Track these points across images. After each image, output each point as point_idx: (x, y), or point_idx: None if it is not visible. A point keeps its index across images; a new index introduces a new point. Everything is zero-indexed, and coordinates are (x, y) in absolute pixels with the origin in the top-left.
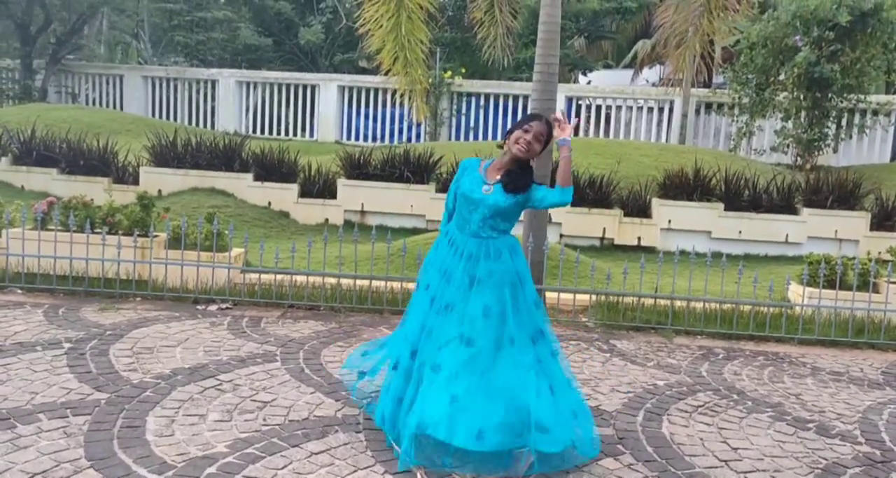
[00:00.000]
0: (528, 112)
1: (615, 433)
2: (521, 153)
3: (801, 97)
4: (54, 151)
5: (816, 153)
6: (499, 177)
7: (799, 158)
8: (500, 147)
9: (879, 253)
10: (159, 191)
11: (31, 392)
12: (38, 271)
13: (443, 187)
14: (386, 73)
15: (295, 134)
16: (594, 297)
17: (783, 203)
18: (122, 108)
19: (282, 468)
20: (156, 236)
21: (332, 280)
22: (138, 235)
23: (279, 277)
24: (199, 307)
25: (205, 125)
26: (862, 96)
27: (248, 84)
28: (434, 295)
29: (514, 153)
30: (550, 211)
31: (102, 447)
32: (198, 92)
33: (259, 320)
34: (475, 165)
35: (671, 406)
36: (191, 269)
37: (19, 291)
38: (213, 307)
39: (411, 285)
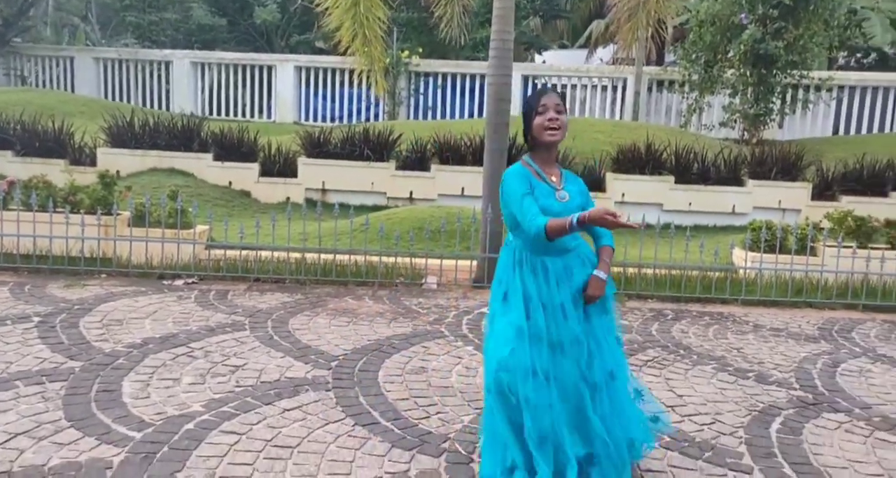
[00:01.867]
0: (485, 88)
1: None
2: (556, 136)
3: (748, 74)
4: (8, 133)
5: (762, 128)
6: (555, 178)
7: (746, 133)
8: (527, 145)
9: (820, 221)
10: (118, 172)
11: (6, 362)
12: (0, 250)
13: (402, 165)
14: (344, 52)
15: (252, 115)
16: None
17: (730, 176)
18: (73, 90)
19: (256, 424)
20: (119, 215)
21: (297, 255)
22: (102, 214)
23: (244, 252)
24: (165, 282)
25: (160, 107)
26: (805, 72)
27: (202, 65)
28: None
29: (548, 141)
30: None
31: (81, 409)
32: (151, 74)
33: (226, 293)
34: (527, 174)
35: None
36: (155, 245)
37: None
38: (179, 282)
39: (373, 258)
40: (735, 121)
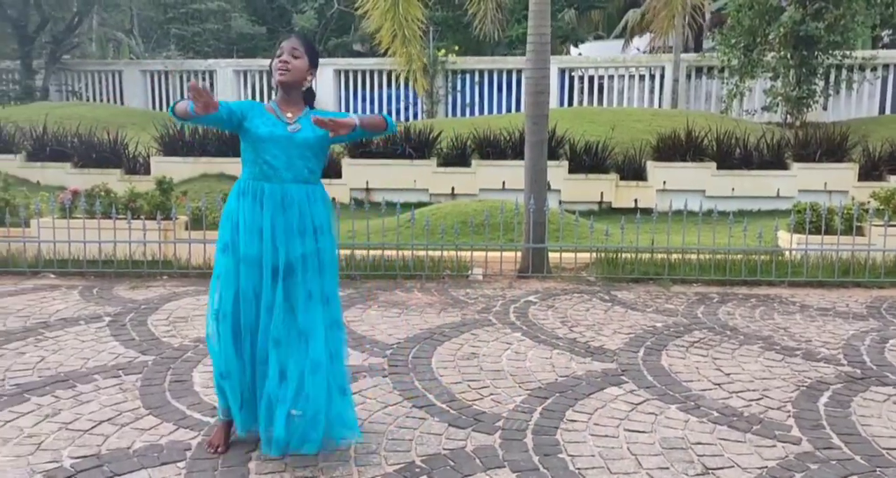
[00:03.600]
0: (523, 84)
1: (618, 367)
2: (283, 77)
3: (789, 56)
4: (66, 145)
5: (806, 110)
6: (291, 114)
7: (789, 116)
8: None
9: (867, 201)
10: (171, 179)
11: (83, 358)
12: (68, 257)
13: (443, 162)
14: (385, 53)
15: None
16: (594, 254)
17: (773, 159)
18: (122, 102)
19: None
20: (177, 219)
21: (346, 251)
22: (161, 219)
23: None
24: None
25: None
26: (848, 52)
27: (245, 73)
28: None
29: (279, 80)
30: (550, 179)
31: (157, 398)
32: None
33: None
34: (257, 106)
35: (669, 343)
36: (212, 247)
37: (52, 275)
38: None
39: (420, 252)
40: (777, 104)
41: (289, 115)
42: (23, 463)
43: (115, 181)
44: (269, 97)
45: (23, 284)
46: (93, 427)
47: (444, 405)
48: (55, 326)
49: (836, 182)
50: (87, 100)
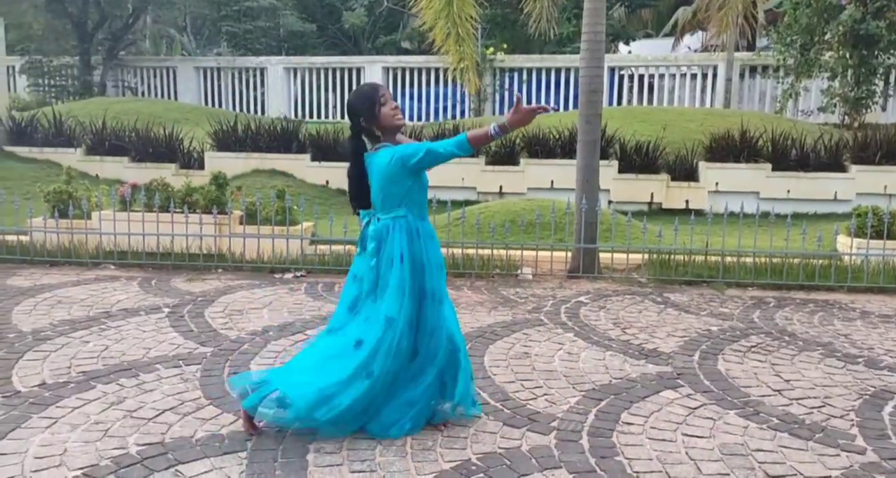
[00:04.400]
0: (578, 82)
1: (673, 371)
2: (402, 120)
3: (848, 55)
4: (124, 140)
5: (864, 111)
6: None
7: (846, 117)
8: (370, 131)
9: None
10: (225, 174)
11: (145, 348)
12: (127, 249)
13: (492, 160)
14: (436, 51)
15: (343, 116)
16: (646, 255)
17: (831, 161)
18: (176, 98)
19: None
20: (231, 213)
21: None
22: (217, 213)
23: (348, 246)
24: (276, 276)
25: (254, 111)
26: None
27: (294, 70)
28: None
29: (398, 125)
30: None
31: (216, 389)
32: (247, 80)
33: (332, 285)
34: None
35: (725, 347)
36: (266, 241)
37: (112, 266)
38: (288, 275)
39: (470, 251)
40: (835, 105)
41: None
42: (91, 449)
43: (170, 175)
44: (318, 95)
45: (85, 275)
46: (156, 415)
47: (498, 404)
48: (117, 316)
49: None
50: (142, 95)
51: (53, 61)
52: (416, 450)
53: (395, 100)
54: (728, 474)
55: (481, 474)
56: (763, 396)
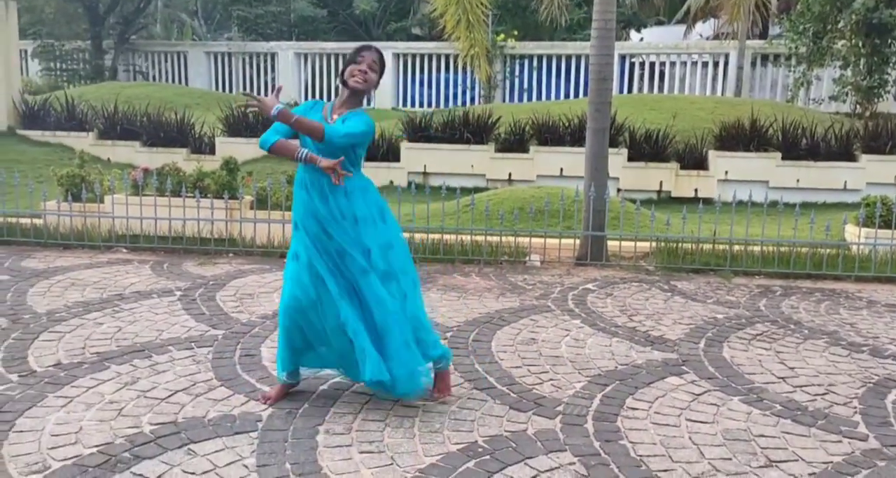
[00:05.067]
0: (589, 69)
1: (678, 357)
2: (360, 86)
3: (860, 44)
4: (135, 125)
5: (876, 100)
6: (336, 116)
7: (858, 106)
8: (344, 85)
9: None
10: (236, 159)
11: (158, 330)
12: (139, 232)
13: (501, 147)
14: (447, 37)
15: None
16: (654, 243)
17: (841, 151)
18: (187, 83)
19: None
20: (242, 198)
21: (406, 234)
22: (228, 198)
23: None
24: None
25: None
26: None
27: (305, 55)
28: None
29: (353, 86)
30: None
31: (228, 371)
32: (257, 65)
33: None
34: (319, 106)
35: (731, 335)
36: (276, 226)
37: (124, 249)
38: None
39: (478, 237)
40: (846, 94)
41: (335, 116)
42: (106, 427)
43: (182, 160)
44: (329, 80)
45: (97, 258)
46: (169, 396)
47: (504, 388)
48: (130, 299)
49: None
50: (153, 80)
51: (65, 45)
52: (423, 432)
53: (406, 85)
54: (730, 459)
55: (487, 457)
56: (767, 383)
